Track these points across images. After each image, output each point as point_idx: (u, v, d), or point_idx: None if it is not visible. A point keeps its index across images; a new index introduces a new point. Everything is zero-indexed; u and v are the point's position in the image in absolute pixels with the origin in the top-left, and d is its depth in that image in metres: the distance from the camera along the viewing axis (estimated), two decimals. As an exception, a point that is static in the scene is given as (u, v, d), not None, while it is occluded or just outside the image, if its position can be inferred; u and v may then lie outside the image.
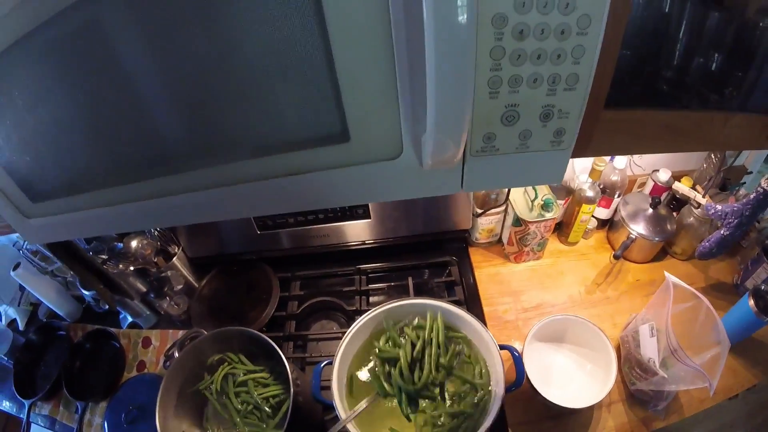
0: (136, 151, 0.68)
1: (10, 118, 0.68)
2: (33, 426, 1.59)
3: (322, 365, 1.14)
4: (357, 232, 1.48)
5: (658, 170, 1.54)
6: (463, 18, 0.41)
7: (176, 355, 1.26)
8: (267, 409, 1.15)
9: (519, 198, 1.44)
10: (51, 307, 1.70)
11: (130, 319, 1.61)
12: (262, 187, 0.66)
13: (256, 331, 1.16)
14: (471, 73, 0.47)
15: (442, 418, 1.05)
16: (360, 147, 0.59)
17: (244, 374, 1.20)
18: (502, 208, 1.46)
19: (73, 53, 0.57)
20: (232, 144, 0.63)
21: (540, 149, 0.60)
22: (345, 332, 1.14)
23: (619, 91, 0.68)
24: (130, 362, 1.55)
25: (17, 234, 1.75)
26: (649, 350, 1.16)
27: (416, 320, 1.18)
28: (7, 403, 1.66)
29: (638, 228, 1.48)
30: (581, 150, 0.69)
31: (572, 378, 1.27)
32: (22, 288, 1.88)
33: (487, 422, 0.98)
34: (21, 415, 1.59)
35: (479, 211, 1.45)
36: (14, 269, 1.59)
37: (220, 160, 0.65)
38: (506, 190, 1.44)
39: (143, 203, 0.73)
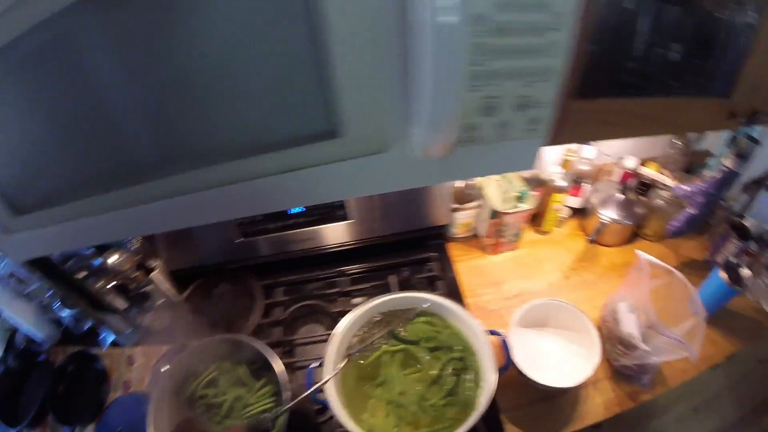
0: (120, 158, 0.67)
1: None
2: (18, 455, 1.55)
3: (312, 367, 1.15)
4: (338, 234, 1.49)
5: (625, 158, 1.59)
6: (453, 19, 0.43)
7: (162, 370, 1.25)
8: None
9: (494, 191, 1.47)
10: (29, 331, 1.66)
11: (111, 337, 1.59)
12: (253, 186, 0.66)
13: (247, 337, 1.17)
14: (461, 69, 0.49)
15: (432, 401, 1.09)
16: (349, 142, 0.61)
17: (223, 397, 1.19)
18: (478, 201, 1.49)
19: (50, 66, 0.57)
20: (220, 146, 0.64)
21: (516, 138, 0.63)
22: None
23: (587, 83, 0.71)
24: (116, 382, 1.52)
25: (-12, 259, 1.71)
26: (629, 326, 1.21)
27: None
28: (-11, 432, 1.63)
29: (609, 213, 1.53)
30: (554, 138, 0.72)
31: (559, 360, 1.30)
32: (-3, 314, 1.84)
33: (481, 407, 1.02)
34: (5, 445, 1.55)
35: (456, 205, 1.48)
36: (-13, 295, 1.55)
37: (206, 162, 0.66)
38: (482, 183, 1.47)
39: (128, 210, 0.73)
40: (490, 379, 1.06)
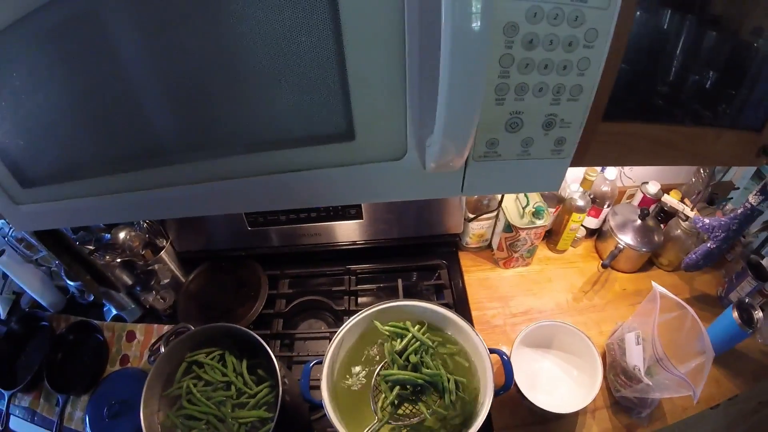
0: (133, 141, 0.67)
1: (6, 100, 0.66)
2: (12, 418, 1.56)
3: (311, 364, 1.13)
4: (348, 232, 1.48)
5: (647, 182, 1.56)
6: (477, 25, 0.41)
7: (162, 350, 1.24)
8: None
9: (510, 204, 1.46)
10: (34, 296, 1.67)
11: (114, 311, 1.59)
12: (264, 182, 0.66)
13: (244, 328, 1.14)
14: (483, 80, 0.47)
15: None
16: (364, 146, 0.60)
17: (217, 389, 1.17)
18: (494, 213, 1.47)
19: (73, 41, 0.56)
20: (235, 138, 0.63)
21: (540, 157, 0.62)
22: (333, 332, 1.14)
23: (616, 105, 0.69)
24: (114, 356, 1.52)
25: (2, 221, 1.73)
26: (635, 358, 1.17)
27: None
28: (-15, 393, 1.64)
29: (626, 238, 1.50)
30: (578, 159, 0.70)
31: (558, 384, 1.28)
32: (4, 276, 1.85)
33: (477, 424, 0.98)
34: (0, 407, 1.56)
35: (471, 216, 1.46)
36: (-2, 256, 1.56)
37: (221, 153, 0.65)
38: (499, 196, 1.45)
39: (139, 194, 0.72)
40: (485, 400, 1.03)
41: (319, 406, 1.03)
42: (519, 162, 0.62)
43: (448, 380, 1.07)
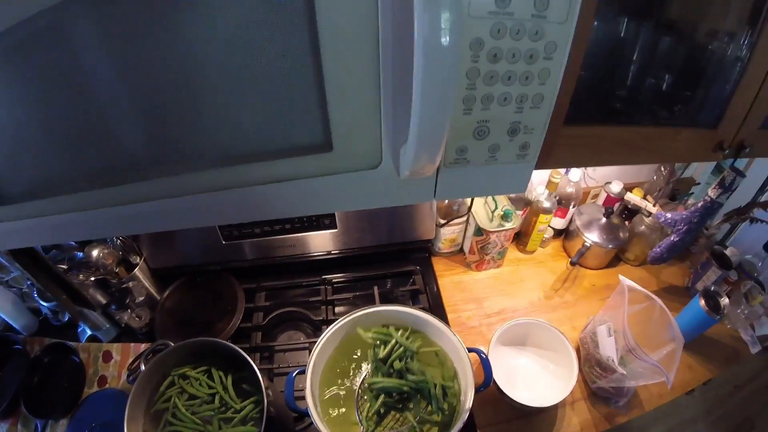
0: (108, 156, 0.67)
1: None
2: (-13, 447, 1.53)
3: (294, 374, 1.14)
4: (323, 242, 1.50)
5: (610, 182, 1.61)
6: (447, 40, 0.43)
7: (142, 368, 1.24)
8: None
9: (480, 209, 1.49)
10: (6, 319, 1.63)
11: (89, 332, 1.57)
12: (243, 194, 0.67)
13: (225, 342, 1.14)
14: (453, 91, 0.49)
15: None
16: (341, 156, 0.62)
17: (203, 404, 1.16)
18: (464, 218, 1.51)
19: (39, 57, 0.56)
20: (213, 151, 0.64)
21: (507, 161, 0.65)
22: (313, 342, 1.15)
23: (577, 109, 0.73)
24: (91, 377, 1.50)
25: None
26: (608, 349, 1.21)
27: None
28: (-41, 422, 1.60)
29: (593, 236, 1.55)
30: (543, 162, 0.73)
31: (537, 379, 1.32)
32: (-26, 301, 1.81)
33: (459, 423, 1.01)
34: (-26, 436, 1.53)
35: (442, 221, 1.49)
36: (-34, 280, 1.53)
37: (200, 166, 0.65)
38: (468, 201, 1.48)
39: (117, 209, 0.72)
40: (467, 398, 1.06)
41: (306, 415, 1.04)
42: (487, 167, 0.65)
43: (435, 386, 1.09)
